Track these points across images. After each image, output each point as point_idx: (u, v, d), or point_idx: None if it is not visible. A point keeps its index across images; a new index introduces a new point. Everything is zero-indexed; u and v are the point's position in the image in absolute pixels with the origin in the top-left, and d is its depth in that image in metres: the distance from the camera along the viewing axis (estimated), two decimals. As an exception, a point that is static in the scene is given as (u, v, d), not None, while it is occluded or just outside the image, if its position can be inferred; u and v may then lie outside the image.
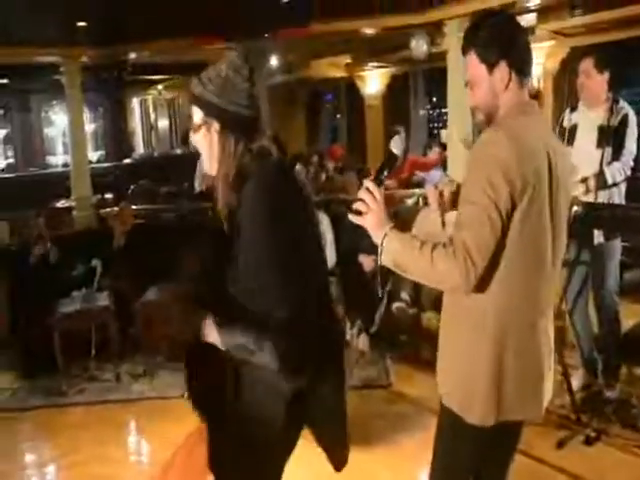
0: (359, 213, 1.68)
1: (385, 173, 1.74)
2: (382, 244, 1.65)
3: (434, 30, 5.99)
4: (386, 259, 1.66)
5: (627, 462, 3.12)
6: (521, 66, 1.68)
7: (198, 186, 6.70)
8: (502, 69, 1.66)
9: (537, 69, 7.43)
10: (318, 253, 1.83)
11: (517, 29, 1.72)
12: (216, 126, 1.69)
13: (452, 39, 5.69)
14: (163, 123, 12.40)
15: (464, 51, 1.73)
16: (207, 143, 1.72)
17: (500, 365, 1.64)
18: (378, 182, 1.70)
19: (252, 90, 1.69)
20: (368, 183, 1.68)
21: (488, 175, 1.55)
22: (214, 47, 7.06)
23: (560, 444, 3.23)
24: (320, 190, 6.82)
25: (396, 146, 6.43)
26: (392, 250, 1.64)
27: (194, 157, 7.52)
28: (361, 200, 1.67)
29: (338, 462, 1.87)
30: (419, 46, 6.07)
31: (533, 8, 6.35)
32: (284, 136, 10.37)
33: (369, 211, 1.66)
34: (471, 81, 1.72)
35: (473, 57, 1.69)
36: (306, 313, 1.62)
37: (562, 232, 1.71)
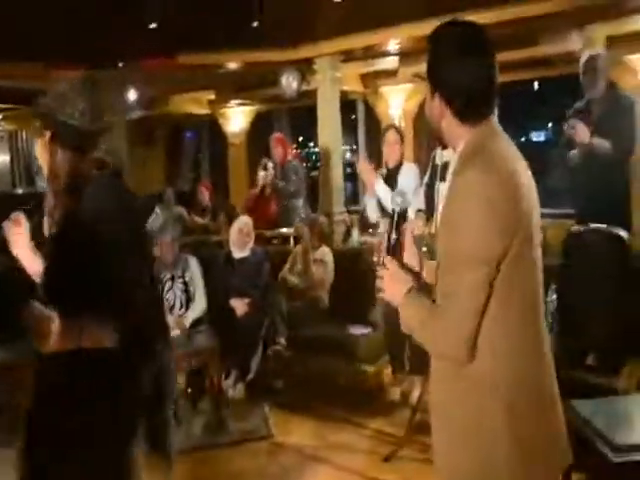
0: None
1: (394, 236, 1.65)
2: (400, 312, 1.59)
3: (304, 67, 5.94)
4: (403, 327, 1.59)
5: None
6: (455, 107, 1.52)
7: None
8: (437, 99, 1.55)
9: (398, 111, 7.72)
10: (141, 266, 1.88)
11: (468, 52, 1.51)
12: (48, 137, 1.79)
13: (323, 76, 5.69)
14: (3, 158, 11.25)
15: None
16: (46, 156, 1.83)
17: (520, 430, 1.45)
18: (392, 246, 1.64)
19: (87, 103, 1.77)
20: (386, 259, 1.61)
21: (479, 226, 1.39)
22: (66, 75, 6.48)
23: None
24: (189, 232, 6.40)
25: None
26: (405, 317, 1.57)
27: (40, 196, 6.79)
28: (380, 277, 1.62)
29: None
30: (290, 83, 5.97)
31: (393, 52, 6.60)
32: (142, 175, 9.88)
33: (385, 286, 1.61)
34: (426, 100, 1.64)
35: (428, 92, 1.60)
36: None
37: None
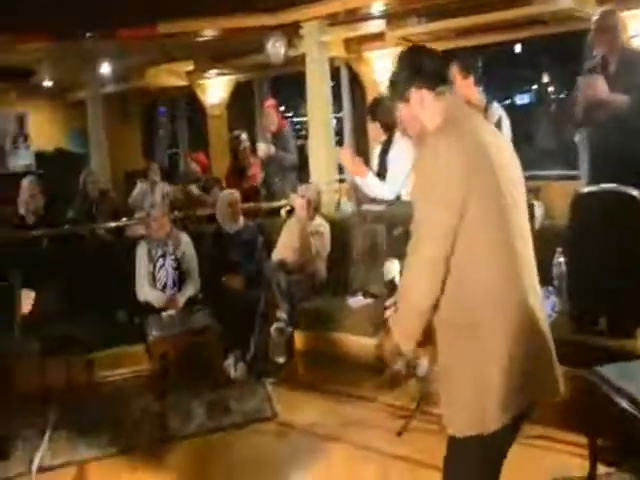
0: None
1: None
2: None
3: (290, 32, 5.67)
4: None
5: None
6: (429, 82, 1.83)
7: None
8: (414, 95, 1.84)
9: (384, 76, 7.49)
10: None
11: (416, 54, 1.93)
12: None
13: (310, 42, 5.44)
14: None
15: (391, 99, 1.95)
16: None
17: (508, 362, 1.65)
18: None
19: None
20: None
21: (438, 186, 1.68)
22: (34, 46, 6.13)
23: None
24: (179, 206, 6.15)
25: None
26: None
27: (13, 178, 6.50)
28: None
29: None
30: (276, 49, 5.70)
31: (378, 15, 6.35)
32: (119, 152, 9.56)
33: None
34: (402, 121, 1.94)
35: (397, 102, 1.90)
36: None
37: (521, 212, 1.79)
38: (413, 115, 1.86)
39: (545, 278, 3.56)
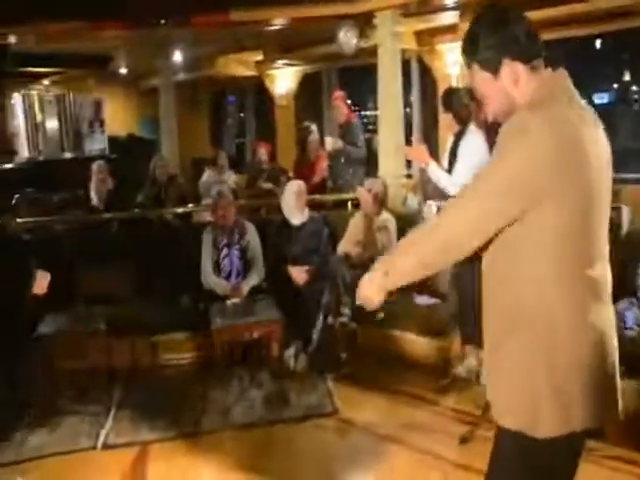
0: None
1: None
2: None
3: (362, 22, 5.57)
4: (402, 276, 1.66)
5: None
6: (524, 53, 1.59)
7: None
8: (506, 68, 1.60)
9: (456, 69, 7.28)
10: None
11: (506, 19, 1.62)
12: None
13: (384, 32, 5.32)
14: (51, 123, 11.20)
15: (467, 65, 1.69)
16: None
17: (583, 371, 1.51)
18: None
19: None
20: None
21: (516, 167, 1.48)
22: (111, 34, 6.26)
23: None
24: (246, 195, 6.18)
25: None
26: (400, 263, 1.65)
27: (88, 162, 6.71)
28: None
29: None
30: (348, 39, 5.61)
31: (452, 6, 6.16)
32: (187, 139, 9.72)
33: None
34: (483, 94, 1.68)
35: (476, 69, 1.65)
36: None
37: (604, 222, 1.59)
38: (501, 89, 1.61)
39: (628, 288, 3.36)
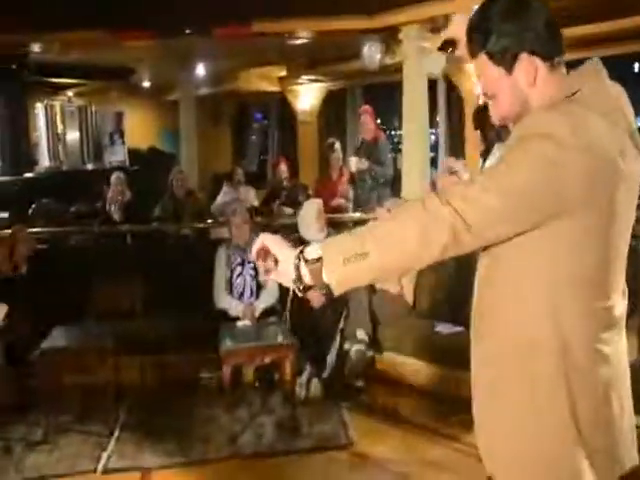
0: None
1: None
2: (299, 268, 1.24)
3: (387, 37, 5.42)
4: (328, 277, 1.23)
5: None
6: (545, 48, 1.32)
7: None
8: (523, 62, 1.32)
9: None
10: None
11: (526, 4, 1.33)
12: None
13: (409, 47, 5.16)
14: (73, 134, 11.24)
15: (472, 55, 1.38)
16: None
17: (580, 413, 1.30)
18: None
19: None
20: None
21: (533, 176, 1.21)
22: (136, 44, 6.18)
23: None
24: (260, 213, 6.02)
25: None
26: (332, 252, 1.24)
27: (108, 173, 6.65)
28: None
29: None
30: (372, 54, 5.45)
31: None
32: (208, 154, 9.64)
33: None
34: (489, 91, 1.37)
35: (484, 60, 1.34)
36: None
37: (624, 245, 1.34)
38: (513, 88, 1.33)
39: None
